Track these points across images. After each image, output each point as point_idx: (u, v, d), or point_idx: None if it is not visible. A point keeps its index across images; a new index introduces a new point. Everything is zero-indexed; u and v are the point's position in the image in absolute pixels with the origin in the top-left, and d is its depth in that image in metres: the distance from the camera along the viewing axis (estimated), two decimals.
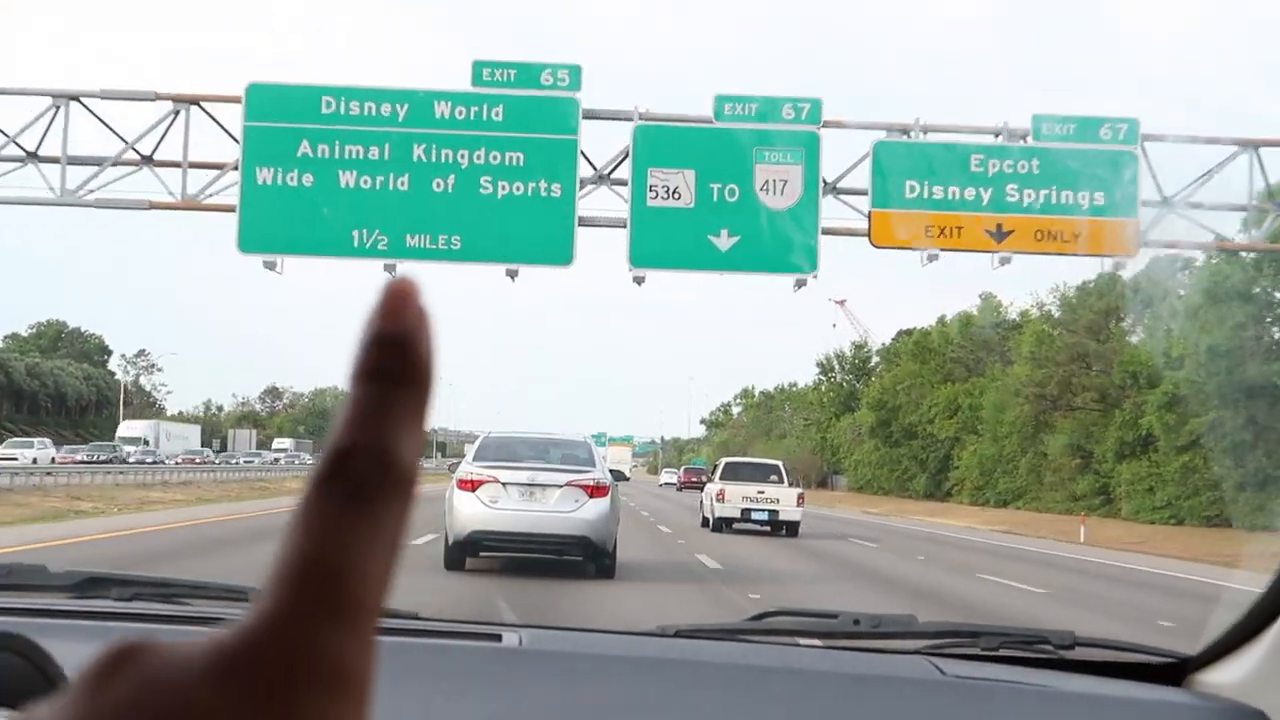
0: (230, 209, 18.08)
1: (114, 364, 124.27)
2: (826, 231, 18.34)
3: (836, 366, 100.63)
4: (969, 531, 36.71)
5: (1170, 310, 39.46)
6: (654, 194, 18.01)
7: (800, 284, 17.99)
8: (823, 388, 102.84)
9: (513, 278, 17.95)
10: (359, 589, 0.39)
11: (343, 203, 17.82)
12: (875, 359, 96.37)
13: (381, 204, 17.83)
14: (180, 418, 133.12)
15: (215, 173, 18.35)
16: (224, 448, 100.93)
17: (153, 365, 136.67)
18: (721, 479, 26.97)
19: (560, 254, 17.95)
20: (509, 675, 1.92)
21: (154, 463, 50.16)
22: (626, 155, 18.19)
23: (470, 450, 15.61)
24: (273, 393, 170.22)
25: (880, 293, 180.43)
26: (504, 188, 17.89)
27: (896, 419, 70.59)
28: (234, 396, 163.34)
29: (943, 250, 18.18)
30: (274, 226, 17.88)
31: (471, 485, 14.12)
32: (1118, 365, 42.99)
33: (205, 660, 0.38)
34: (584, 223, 18.12)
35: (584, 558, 14.32)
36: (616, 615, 11.06)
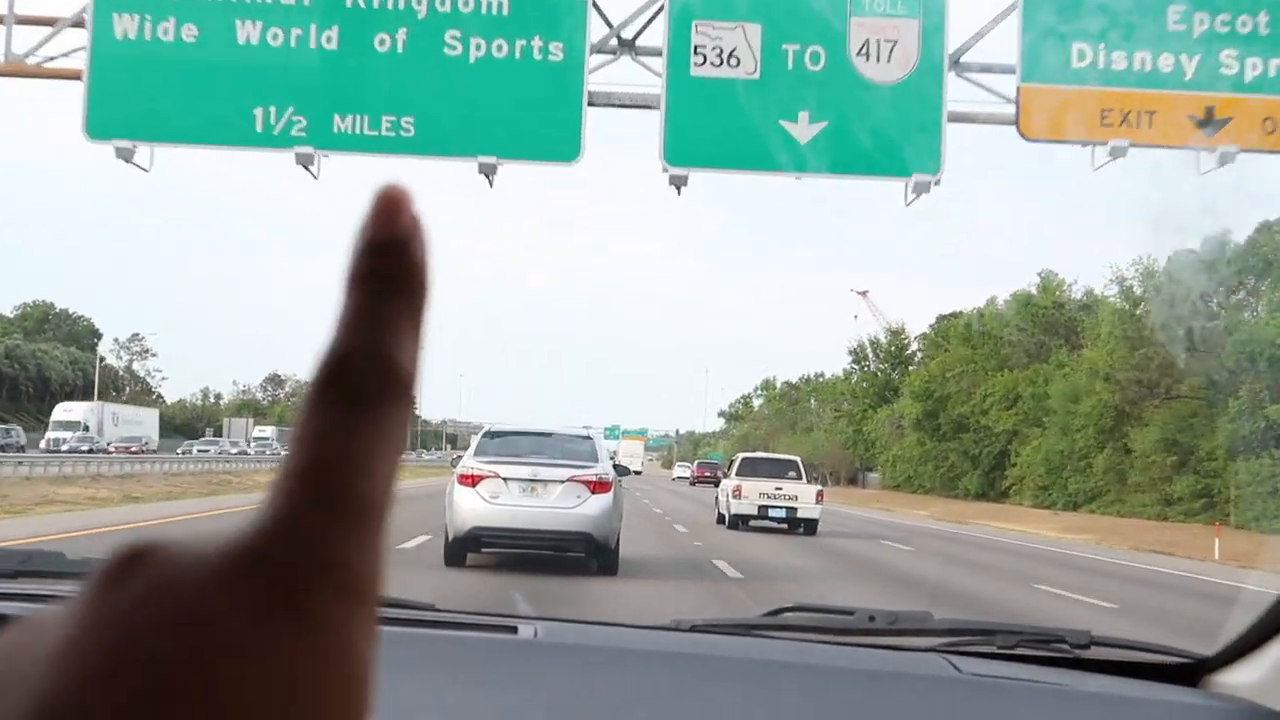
0: (74, 76, 12.47)
1: (106, 348, 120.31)
2: (954, 117, 12.65)
3: (871, 354, 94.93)
4: (1075, 545, 30.68)
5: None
6: (700, 59, 12.34)
7: (920, 189, 12.27)
8: (854, 378, 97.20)
9: (489, 177, 12.25)
10: (365, 491, 0.39)
11: (240, 68, 12.23)
12: (914, 346, 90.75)
13: (297, 70, 12.25)
14: (182, 406, 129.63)
15: (57, 27, 12.73)
16: (219, 436, 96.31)
17: (146, 350, 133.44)
18: (738, 475, 26.37)
19: (561, 145, 12.31)
20: (525, 667, 1.94)
21: (89, 451, 44.52)
22: (660, 6, 12.50)
23: (471, 444, 15.41)
24: (274, 380, 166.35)
25: (903, 285, 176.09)
26: (478, 48, 12.26)
27: (945, 410, 64.64)
28: (234, 384, 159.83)
29: (1131, 144, 12.44)
30: (138, 101, 12.32)
31: (472, 480, 14.10)
32: (1230, 345, 37.03)
33: (215, 562, 0.38)
34: (596, 101, 12.46)
35: (586, 554, 14.30)
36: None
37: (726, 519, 26.30)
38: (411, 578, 11.79)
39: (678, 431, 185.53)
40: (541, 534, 13.97)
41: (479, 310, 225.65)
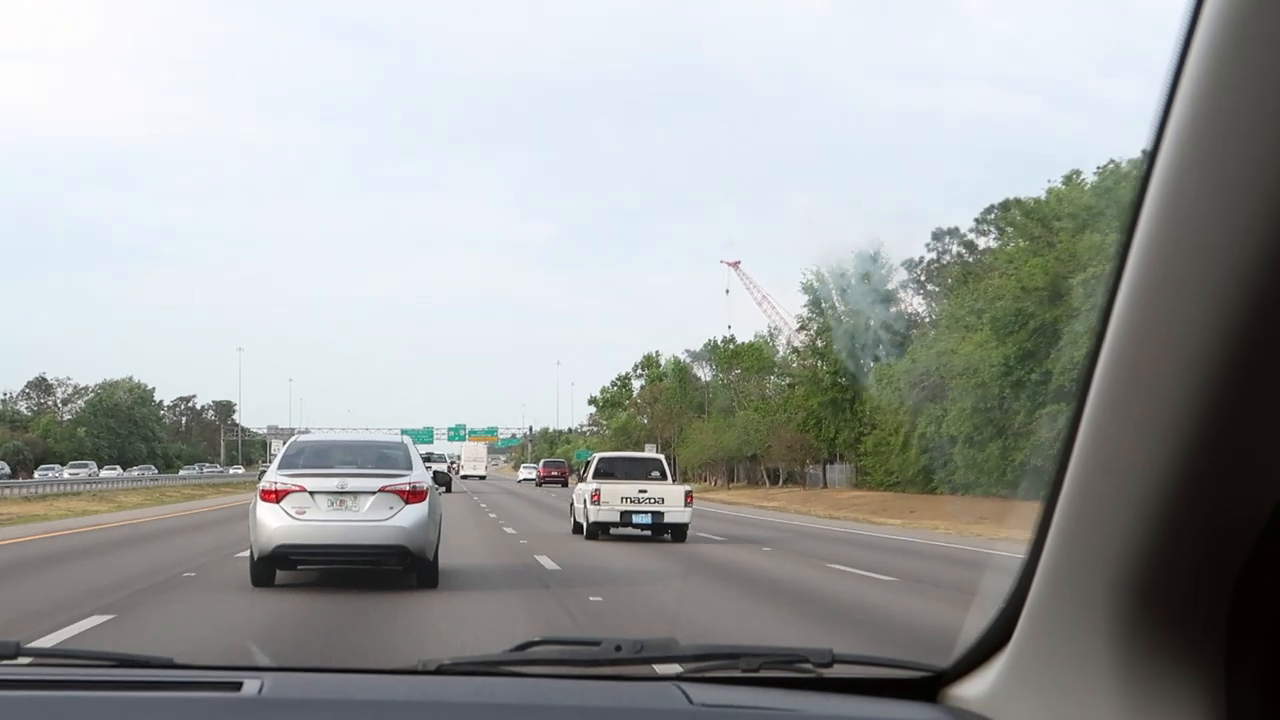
0: None
1: None
2: None
3: (835, 296, 72.06)
4: None
5: None
6: None
7: None
8: (813, 329, 74.50)
9: None
10: None
11: None
12: (901, 275, 68.85)
13: None
14: None
15: None
16: None
17: None
18: (595, 478, 26.18)
19: None
20: None
21: None
22: None
23: (276, 456, 15.75)
24: (41, 386, 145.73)
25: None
26: None
27: (1047, 350, 42.15)
28: None
29: None
30: None
31: (275, 496, 14.34)
32: None
33: None
34: None
35: (402, 568, 14.64)
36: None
37: (585, 528, 25.51)
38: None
39: (531, 430, 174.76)
40: (353, 549, 14.23)
41: (312, 309, 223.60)
